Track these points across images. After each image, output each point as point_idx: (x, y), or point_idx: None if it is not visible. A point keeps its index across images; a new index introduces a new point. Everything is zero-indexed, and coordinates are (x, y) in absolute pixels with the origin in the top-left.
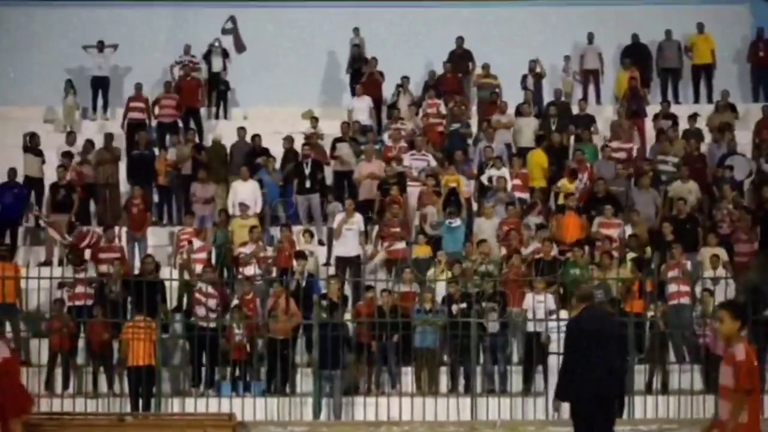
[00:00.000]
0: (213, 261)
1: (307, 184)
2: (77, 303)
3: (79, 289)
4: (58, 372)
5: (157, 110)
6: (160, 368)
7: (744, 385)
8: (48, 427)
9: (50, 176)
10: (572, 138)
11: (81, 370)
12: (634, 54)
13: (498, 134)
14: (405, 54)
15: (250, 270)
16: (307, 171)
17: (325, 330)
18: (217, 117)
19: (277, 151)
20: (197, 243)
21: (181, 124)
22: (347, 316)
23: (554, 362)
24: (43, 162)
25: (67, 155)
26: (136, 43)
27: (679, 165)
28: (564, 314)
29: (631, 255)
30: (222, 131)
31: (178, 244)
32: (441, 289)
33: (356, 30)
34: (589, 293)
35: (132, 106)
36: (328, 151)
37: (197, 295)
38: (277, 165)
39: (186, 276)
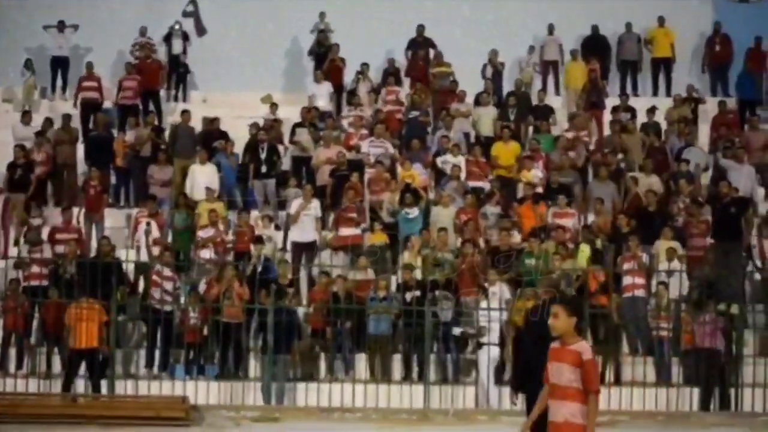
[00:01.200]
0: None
1: (263, 169)
2: (32, 283)
3: (35, 269)
4: (12, 352)
5: (120, 93)
6: (113, 351)
7: (593, 386)
8: (2, 407)
9: (8, 156)
10: (530, 128)
11: (35, 351)
12: (594, 46)
13: (456, 123)
14: (365, 41)
15: (207, 253)
16: (263, 156)
17: (277, 315)
18: (176, 100)
19: (237, 135)
20: (155, 225)
21: (141, 107)
22: (303, 301)
23: (484, 355)
24: None
25: (39, 134)
26: (97, 24)
27: (631, 159)
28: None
29: (585, 246)
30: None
31: (135, 227)
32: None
33: (322, 15)
34: (557, 282)
35: (84, 85)
36: (287, 136)
37: (154, 277)
38: (237, 149)
39: (145, 258)
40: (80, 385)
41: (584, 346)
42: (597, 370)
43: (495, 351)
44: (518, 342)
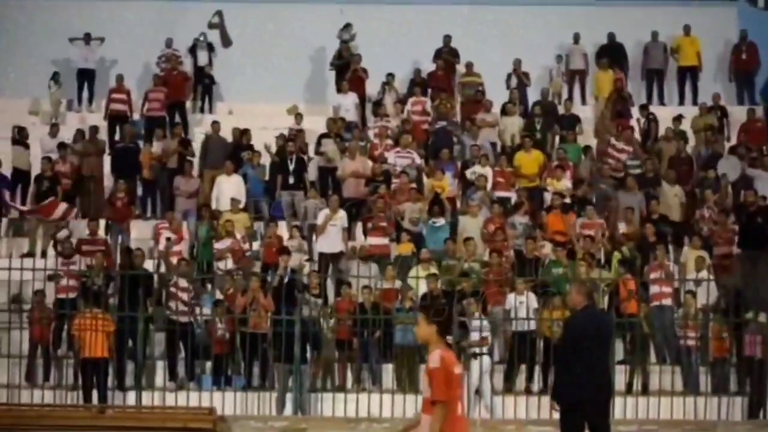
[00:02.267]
0: (195, 255)
1: (291, 180)
2: (61, 296)
3: (64, 282)
4: (40, 364)
5: (146, 105)
6: (141, 362)
7: (436, 395)
8: (29, 419)
9: (36, 168)
10: (557, 138)
11: (61, 362)
12: (610, 54)
13: (482, 132)
14: (391, 51)
15: (225, 264)
16: (292, 167)
17: (303, 326)
18: (202, 111)
19: (261, 146)
20: (173, 237)
21: (167, 118)
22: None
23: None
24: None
25: (62, 147)
26: (123, 36)
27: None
28: None
29: (617, 255)
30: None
31: (156, 238)
32: (423, 287)
33: (348, 26)
34: (591, 290)
35: (114, 97)
36: (312, 147)
37: (172, 288)
38: (263, 161)
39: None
40: (112, 398)
41: (435, 355)
42: (442, 379)
43: (487, 361)
44: (558, 350)
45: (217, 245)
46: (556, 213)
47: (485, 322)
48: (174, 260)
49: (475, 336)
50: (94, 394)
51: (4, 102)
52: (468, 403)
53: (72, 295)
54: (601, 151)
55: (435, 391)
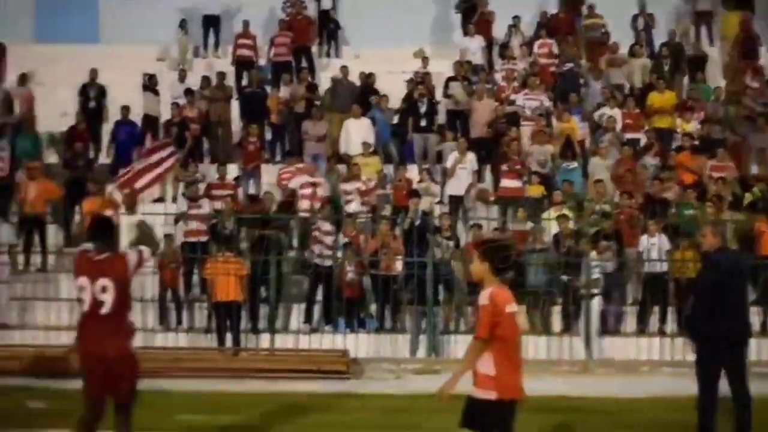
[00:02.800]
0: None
1: (423, 123)
2: (191, 239)
3: (193, 225)
4: (172, 307)
5: (272, 50)
6: (275, 305)
7: (478, 332)
8: (164, 362)
9: (165, 115)
10: (685, 79)
11: (193, 306)
12: None
13: (609, 74)
14: None
15: (352, 207)
16: (423, 109)
17: (436, 268)
18: (328, 55)
19: (388, 90)
20: (302, 179)
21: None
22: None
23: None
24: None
25: (190, 92)
26: None
27: None
28: None
29: (748, 197)
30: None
31: (279, 183)
32: (555, 229)
33: None
34: (725, 231)
35: (240, 43)
36: (440, 90)
37: (315, 233)
38: (391, 104)
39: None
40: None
41: (484, 293)
42: (488, 317)
43: (597, 301)
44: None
45: (345, 186)
46: (686, 154)
47: (604, 264)
48: (304, 203)
49: (594, 275)
50: (228, 337)
51: (133, 49)
52: (587, 343)
53: (202, 239)
54: (732, 91)
55: (478, 328)
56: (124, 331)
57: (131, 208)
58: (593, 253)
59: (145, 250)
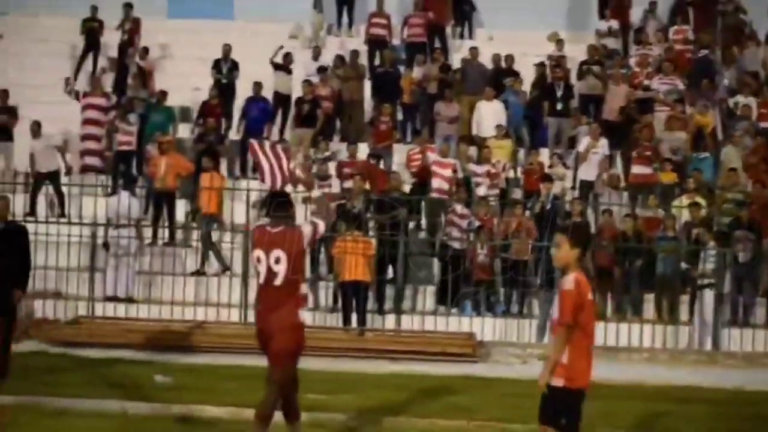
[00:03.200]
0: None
1: (559, 107)
2: None
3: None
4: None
5: (406, 30)
6: (402, 286)
7: (562, 318)
8: None
9: (296, 92)
10: None
11: (317, 285)
12: None
13: (743, 62)
14: None
15: (481, 190)
16: (559, 93)
17: None
18: (461, 37)
19: (521, 73)
20: (435, 157)
21: (426, 44)
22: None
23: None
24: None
25: (323, 70)
26: None
27: None
28: None
29: None
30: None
31: (409, 164)
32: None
33: None
34: None
35: (373, 22)
36: (574, 74)
37: (451, 215)
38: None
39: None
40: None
41: (569, 278)
42: (572, 303)
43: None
44: None
45: (475, 169)
46: None
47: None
48: (437, 182)
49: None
50: (353, 317)
51: (265, 26)
52: (697, 334)
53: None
54: None
55: (562, 314)
56: (295, 302)
57: (310, 186)
58: (711, 243)
59: (320, 223)
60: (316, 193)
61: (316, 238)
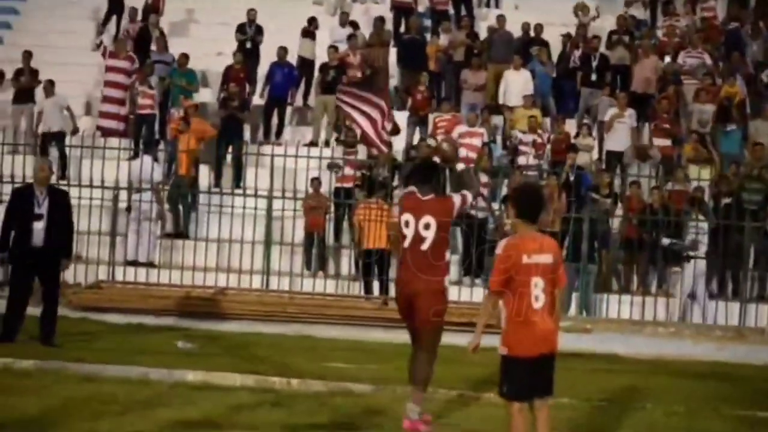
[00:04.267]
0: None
1: (593, 77)
2: (345, 185)
3: (348, 171)
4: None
5: None
6: None
7: (490, 283)
8: (311, 307)
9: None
10: None
11: (339, 252)
12: None
13: None
14: None
15: (524, 159)
16: (594, 64)
17: (591, 225)
18: (488, 5)
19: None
20: (462, 129)
21: (452, 11)
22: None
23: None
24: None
25: (351, 37)
26: None
27: None
28: None
29: None
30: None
31: (435, 131)
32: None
33: None
34: None
35: None
36: (603, 44)
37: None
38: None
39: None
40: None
41: (501, 242)
42: (499, 267)
43: (701, 264)
44: None
45: (522, 137)
46: None
47: (702, 225)
48: (463, 152)
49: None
50: (376, 285)
51: None
52: (681, 306)
53: (350, 185)
54: None
55: (491, 278)
56: (441, 267)
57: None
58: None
59: (468, 194)
60: (461, 165)
61: (464, 208)
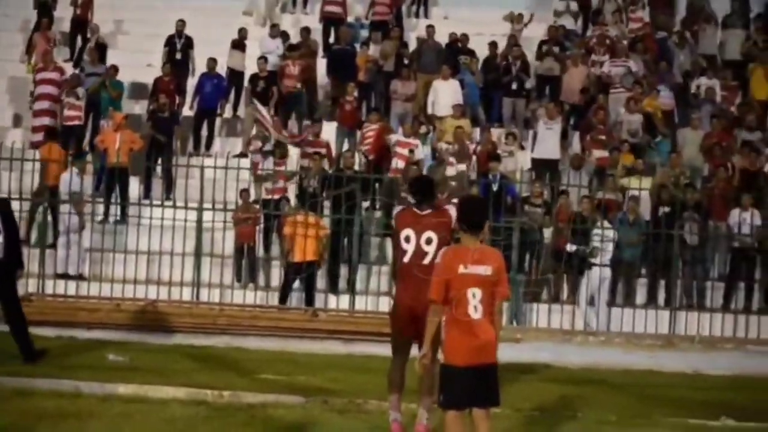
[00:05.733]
0: None
1: (514, 86)
2: (275, 197)
3: (280, 183)
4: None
5: (372, 8)
6: (356, 264)
7: (430, 294)
8: (241, 319)
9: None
10: None
11: (268, 263)
12: None
13: (702, 44)
14: None
15: (452, 170)
16: (514, 72)
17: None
18: (417, 16)
19: (477, 53)
20: (397, 137)
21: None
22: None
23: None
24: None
25: (293, 48)
26: None
27: None
28: None
29: None
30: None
31: (363, 141)
32: (644, 201)
33: None
34: None
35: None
36: (533, 55)
37: (403, 193)
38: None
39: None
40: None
41: (442, 250)
42: (437, 278)
43: (606, 272)
44: None
45: (448, 147)
46: None
47: (608, 233)
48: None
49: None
50: (297, 297)
51: (219, 2)
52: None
53: (279, 197)
54: None
55: (430, 288)
56: None
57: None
58: (599, 222)
59: None
60: (451, 171)
61: None
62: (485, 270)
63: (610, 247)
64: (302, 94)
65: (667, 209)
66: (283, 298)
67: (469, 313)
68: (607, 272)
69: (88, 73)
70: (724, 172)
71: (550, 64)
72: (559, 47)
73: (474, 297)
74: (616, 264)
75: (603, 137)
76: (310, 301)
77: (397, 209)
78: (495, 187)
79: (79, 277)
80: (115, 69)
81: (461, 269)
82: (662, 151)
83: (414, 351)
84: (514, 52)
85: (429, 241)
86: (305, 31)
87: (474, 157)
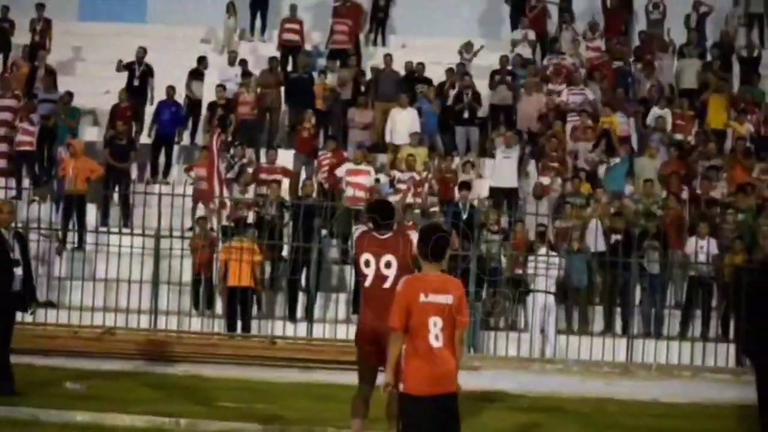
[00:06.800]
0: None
1: (466, 115)
2: (225, 224)
3: (243, 210)
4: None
5: (332, 37)
6: (313, 293)
7: (390, 321)
8: (199, 346)
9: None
10: (736, 81)
11: (224, 291)
12: None
13: (659, 73)
14: None
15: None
16: (466, 101)
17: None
18: (375, 44)
19: (433, 81)
20: (349, 167)
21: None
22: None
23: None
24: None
25: (247, 75)
26: None
27: None
28: None
29: None
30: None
31: (319, 169)
32: (594, 228)
33: None
34: None
35: (286, 27)
36: (487, 83)
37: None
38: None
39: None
40: (270, 327)
41: (404, 278)
42: (398, 305)
43: (550, 299)
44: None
45: (400, 176)
46: (739, 157)
47: (554, 260)
48: (352, 192)
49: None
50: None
51: (178, 30)
52: (531, 341)
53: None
54: None
55: (391, 317)
56: None
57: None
58: (542, 250)
59: None
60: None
61: None
62: (446, 299)
63: (555, 274)
64: (259, 123)
65: (618, 237)
66: (231, 326)
67: (430, 342)
68: (551, 300)
69: (41, 99)
70: (674, 201)
71: (504, 93)
72: (511, 76)
73: (435, 326)
74: (564, 292)
75: (555, 164)
76: (246, 327)
77: (356, 233)
78: (464, 215)
79: (49, 304)
80: (69, 95)
81: (422, 298)
82: (618, 176)
83: (380, 379)
84: (465, 81)
85: (388, 265)
86: (273, 60)
87: (426, 185)
